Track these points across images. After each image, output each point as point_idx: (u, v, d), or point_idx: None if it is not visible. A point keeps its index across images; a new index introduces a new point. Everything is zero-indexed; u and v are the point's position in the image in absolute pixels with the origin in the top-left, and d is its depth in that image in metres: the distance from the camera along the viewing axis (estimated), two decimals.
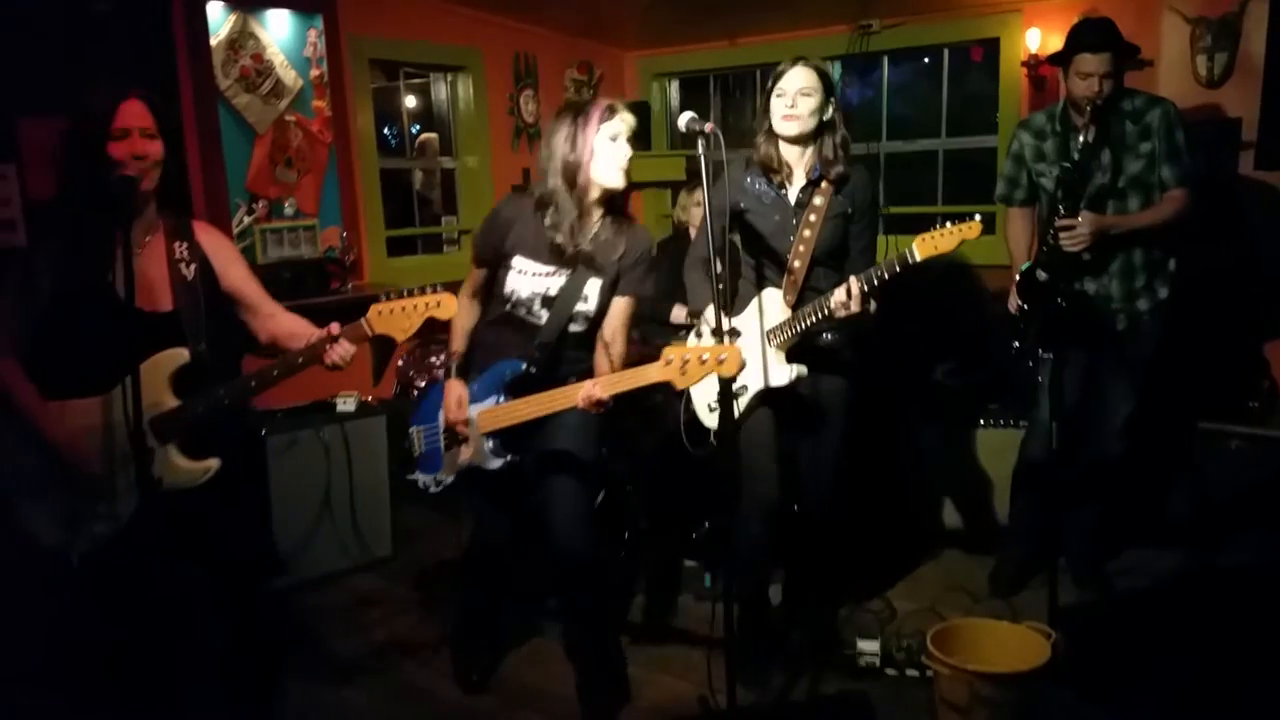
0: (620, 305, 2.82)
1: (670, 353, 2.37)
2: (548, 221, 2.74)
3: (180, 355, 2.39)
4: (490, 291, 2.91)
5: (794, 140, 2.93)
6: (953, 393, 4.38)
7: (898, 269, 2.71)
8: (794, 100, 2.85)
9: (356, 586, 3.96)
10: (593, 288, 2.78)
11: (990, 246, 3.82)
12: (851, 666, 3.14)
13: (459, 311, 2.87)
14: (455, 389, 2.81)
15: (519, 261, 2.78)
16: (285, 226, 4.53)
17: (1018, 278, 3.36)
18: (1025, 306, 3.34)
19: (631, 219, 2.88)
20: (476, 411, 2.79)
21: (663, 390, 4.12)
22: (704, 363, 2.32)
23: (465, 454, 2.82)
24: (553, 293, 2.77)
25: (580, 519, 2.88)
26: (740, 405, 2.97)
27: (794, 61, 2.88)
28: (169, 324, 2.41)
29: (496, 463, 2.80)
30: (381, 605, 3.79)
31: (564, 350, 2.82)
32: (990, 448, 4.12)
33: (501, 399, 2.76)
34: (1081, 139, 3.20)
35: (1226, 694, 2.81)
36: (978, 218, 2.65)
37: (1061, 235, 3.20)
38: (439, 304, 2.41)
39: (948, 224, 2.64)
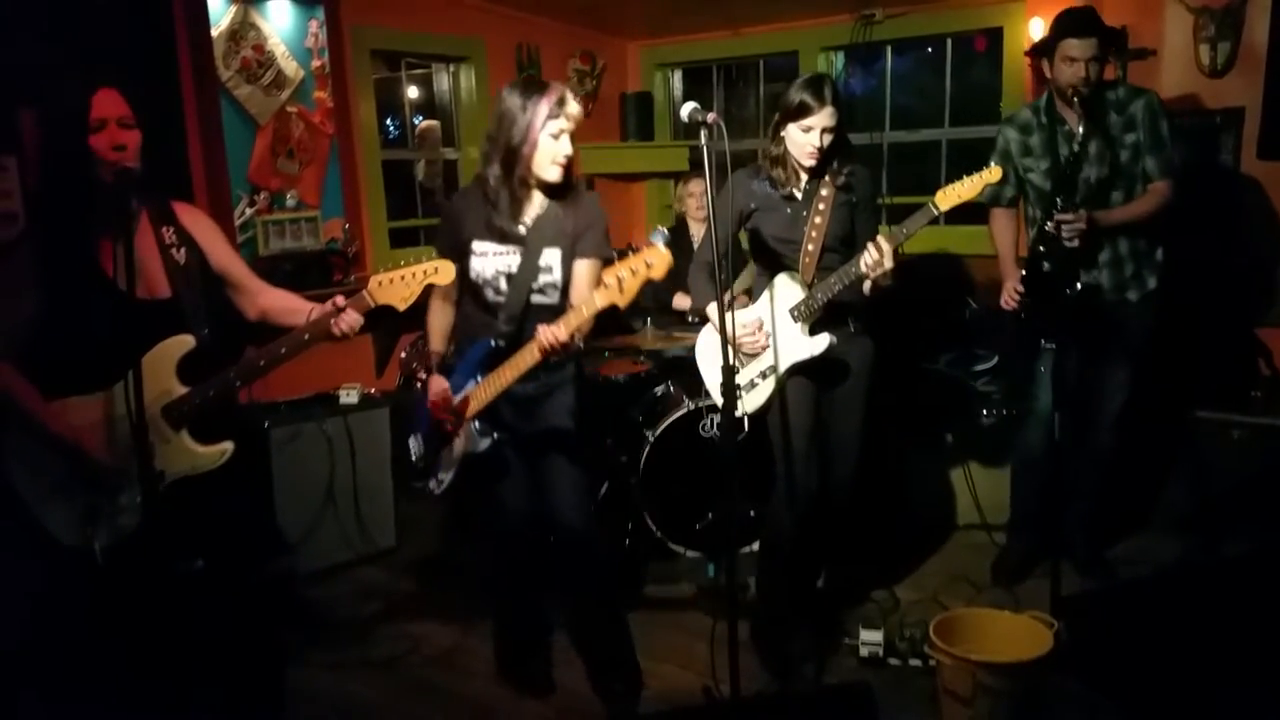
0: (583, 268, 2.83)
1: (605, 275, 2.45)
2: (491, 205, 2.78)
3: (186, 342, 2.39)
4: (461, 287, 2.93)
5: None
6: (955, 382, 4.38)
7: (923, 223, 2.84)
8: (820, 138, 2.95)
9: (360, 578, 3.97)
10: (553, 257, 2.81)
11: (983, 237, 3.84)
12: (855, 656, 3.15)
13: (432, 312, 2.96)
14: (437, 384, 2.84)
15: (478, 245, 2.82)
16: (287, 218, 4.52)
17: (1023, 273, 3.37)
18: (1027, 299, 3.33)
19: (576, 188, 2.88)
20: (459, 400, 2.81)
21: (665, 382, 4.17)
22: (635, 273, 2.42)
23: (459, 445, 2.83)
24: (514, 269, 2.81)
25: (576, 492, 2.93)
26: (770, 388, 3.06)
27: (818, 97, 2.91)
28: (169, 311, 2.40)
29: (484, 443, 2.81)
30: (385, 597, 3.80)
31: (532, 323, 2.78)
32: (992, 437, 4.13)
33: (479, 379, 2.78)
34: (1081, 129, 3.20)
35: (1229, 683, 2.81)
36: (994, 164, 2.87)
37: (1063, 227, 3.19)
38: (436, 270, 2.41)
39: (964, 176, 2.80)
